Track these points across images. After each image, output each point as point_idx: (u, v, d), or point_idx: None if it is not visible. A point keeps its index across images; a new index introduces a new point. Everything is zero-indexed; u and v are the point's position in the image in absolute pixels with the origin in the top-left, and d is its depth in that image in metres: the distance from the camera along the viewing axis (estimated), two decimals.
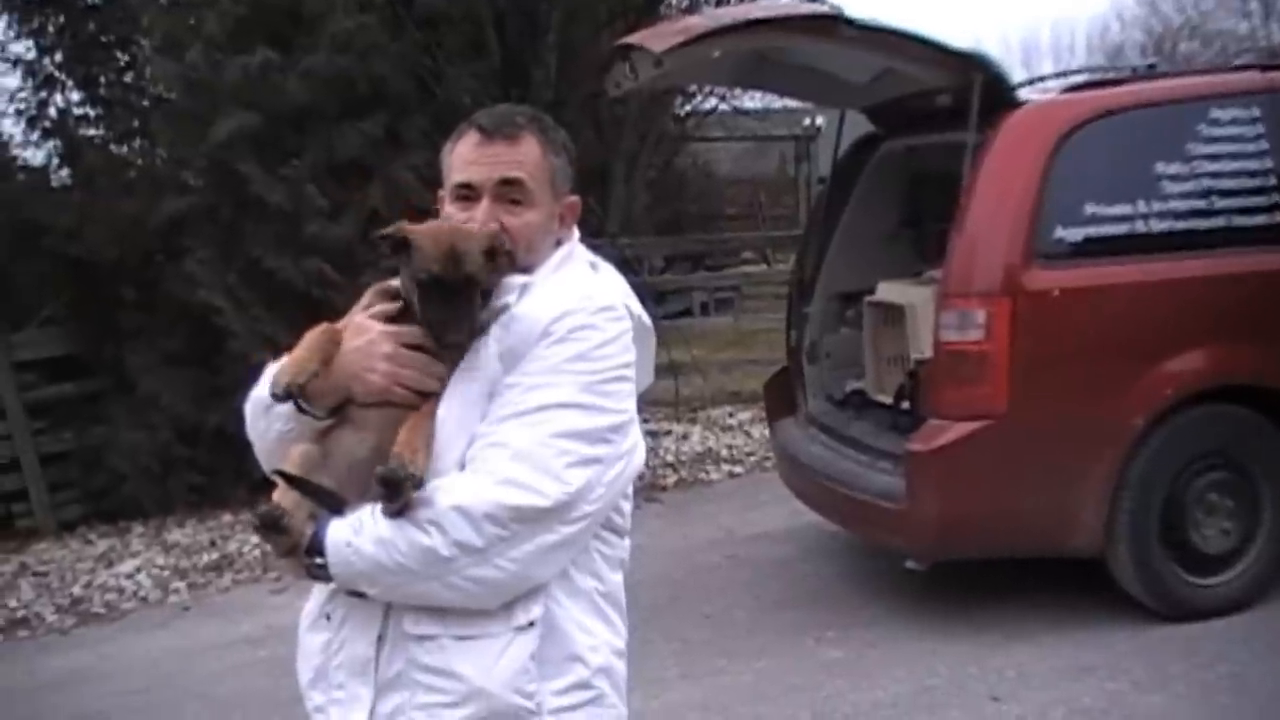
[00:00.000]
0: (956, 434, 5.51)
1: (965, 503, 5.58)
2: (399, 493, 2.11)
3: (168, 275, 9.59)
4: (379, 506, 2.14)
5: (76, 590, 7.96)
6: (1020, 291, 5.46)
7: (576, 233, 2.51)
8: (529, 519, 2.13)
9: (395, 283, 2.36)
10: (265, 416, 2.35)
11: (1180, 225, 5.70)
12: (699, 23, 5.85)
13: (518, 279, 2.33)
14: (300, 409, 2.26)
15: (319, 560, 2.17)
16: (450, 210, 2.39)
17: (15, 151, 10.88)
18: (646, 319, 2.45)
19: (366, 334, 2.28)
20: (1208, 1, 35.86)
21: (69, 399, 9.93)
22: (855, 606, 6.33)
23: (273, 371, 2.28)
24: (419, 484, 2.12)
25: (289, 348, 2.28)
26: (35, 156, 10.95)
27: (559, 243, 2.45)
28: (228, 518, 9.08)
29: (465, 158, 2.38)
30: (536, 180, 2.37)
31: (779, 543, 7.46)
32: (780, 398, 7.33)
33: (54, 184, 10.86)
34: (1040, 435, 5.53)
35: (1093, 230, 5.59)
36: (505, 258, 2.28)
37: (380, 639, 2.24)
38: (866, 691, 5.36)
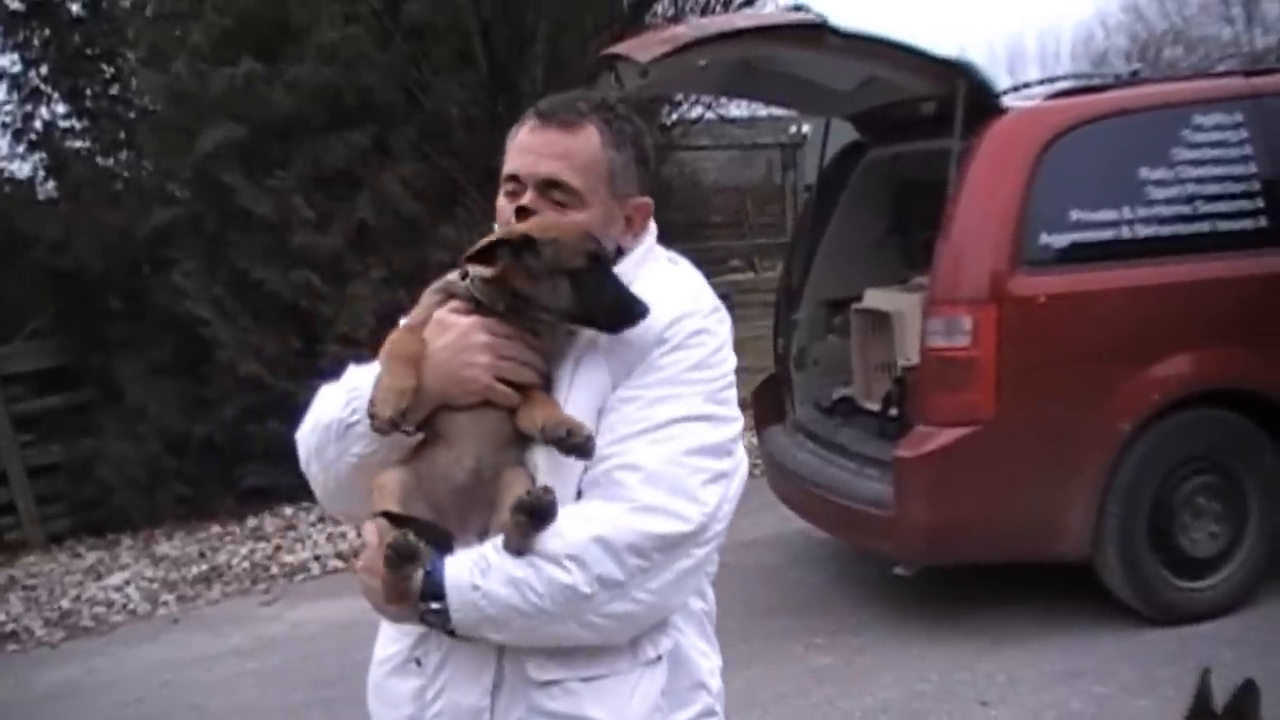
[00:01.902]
0: (944, 440, 5.52)
1: (953, 508, 5.59)
2: (543, 524, 1.94)
3: (154, 286, 9.60)
4: (499, 540, 1.97)
5: (65, 603, 7.94)
6: (1006, 298, 5.47)
7: (654, 231, 2.30)
8: (671, 546, 1.99)
9: (454, 277, 2.15)
10: (338, 442, 2.12)
11: (1165, 230, 5.72)
12: (685, 32, 5.86)
13: None
14: (404, 432, 2.05)
15: (434, 605, 1.94)
16: (501, 204, 2.19)
17: (1, 164, 10.91)
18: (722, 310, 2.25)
19: (456, 328, 2.06)
20: (1191, 8, 36.02)
21: (56, 411, 9.92)
22: (844, 613, 6.33)
23: (353, 392, 2.09)
24: (589, 450, 1.97)
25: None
26: (21, 169, 10.99)
27: (619, 250, 2.20)
28: (216, 529, 9.07)
29: (519, 145, 2.16)
30: (587, 178, 2.12)
31: (767, 550, 7.45)
32: (768, 405, 7.33)
33: (40, 196, 10.89)
34: (1027, 441, 5.54)
35: (1078, 236, 5.61)
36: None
37: (496, 687, 2.05)
38: (856, 698, 5.36)
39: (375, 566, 1.95)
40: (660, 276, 2.20)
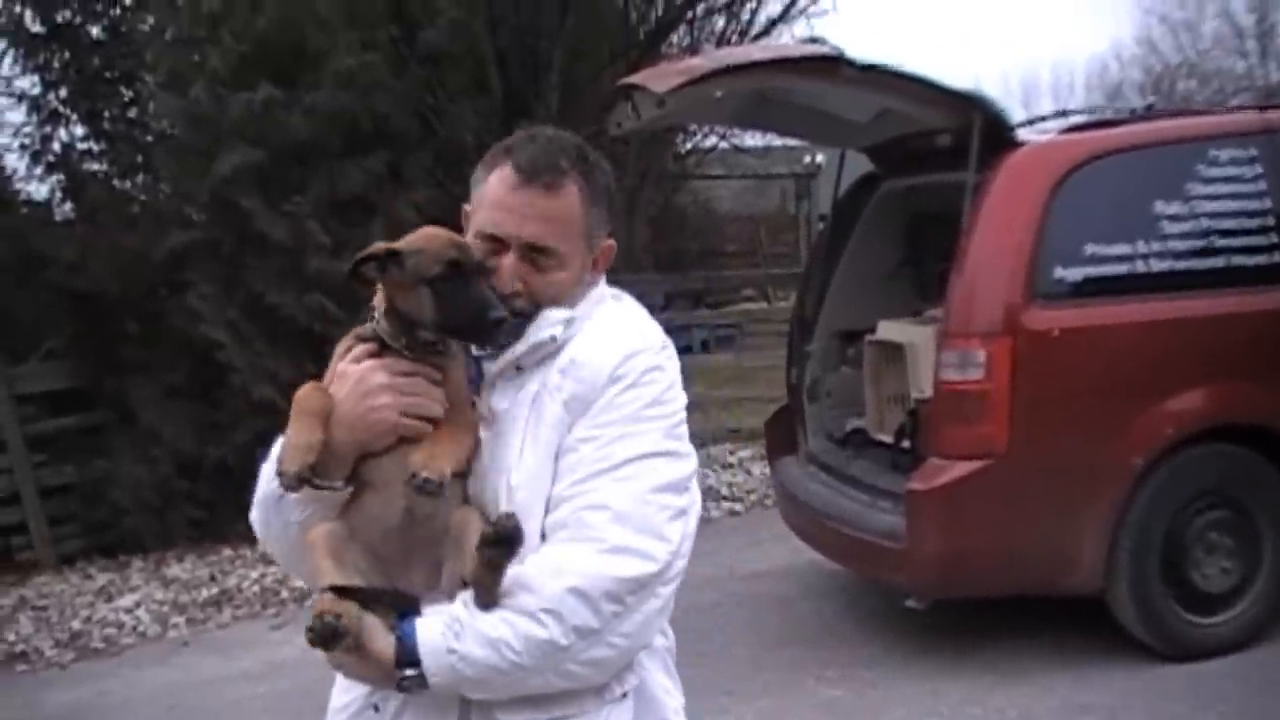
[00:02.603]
0: (957, 473, 5.51)
1: (965, 542, 5.58)
2: (513, 550, 1.92)
3: (170, 309, 9.61)
4: (468, 596, 1.96)
5: (76, 625, 7.94)
6: (1020, 331, 5.47)
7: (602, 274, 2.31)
8: (641, 587, 1.99)
9: (367, 326, 2.13)
10: (279, 513, 2.14)
11: (1179, 265, 5.73)
12: (701, 63, 5.88)
13: (558, 312, 2.14)
14: (316, 486, 2.03)
15: (410, 671, 1.93)
16: (474, 245, 2.16)
17: (19, 185, 10.94)
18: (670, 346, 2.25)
19: (351, 376, 2.06)
20: (1205, 41, 36.11)
21: (70, 432, 9.93)
22: (856, 645, 6.32)
23: (271, 463, 2.09)
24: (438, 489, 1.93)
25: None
26: (39, 191, 11.01)
27: (589, 285, 2.25)
28: (228, 552, 9.07)
29: (497, 199, 2.15)
30: (571, 239, 2.15)
31: (779, 581, 7.45)
32: (781, 435, 7.33)
33: (57, 218, 10.91)
34: (1040, 474, 5.53)
35: (1092, 270, 5.61)
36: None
37: None
38: None
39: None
40: (612, 316, 2.22)
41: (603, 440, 2.05)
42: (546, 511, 2.05)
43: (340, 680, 2.19)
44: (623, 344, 2.12)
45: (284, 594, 8.06)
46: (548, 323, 2.12)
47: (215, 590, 8.33)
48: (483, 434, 2.12)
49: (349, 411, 2.03)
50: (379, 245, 2.08)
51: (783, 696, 5.77)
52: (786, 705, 5.68)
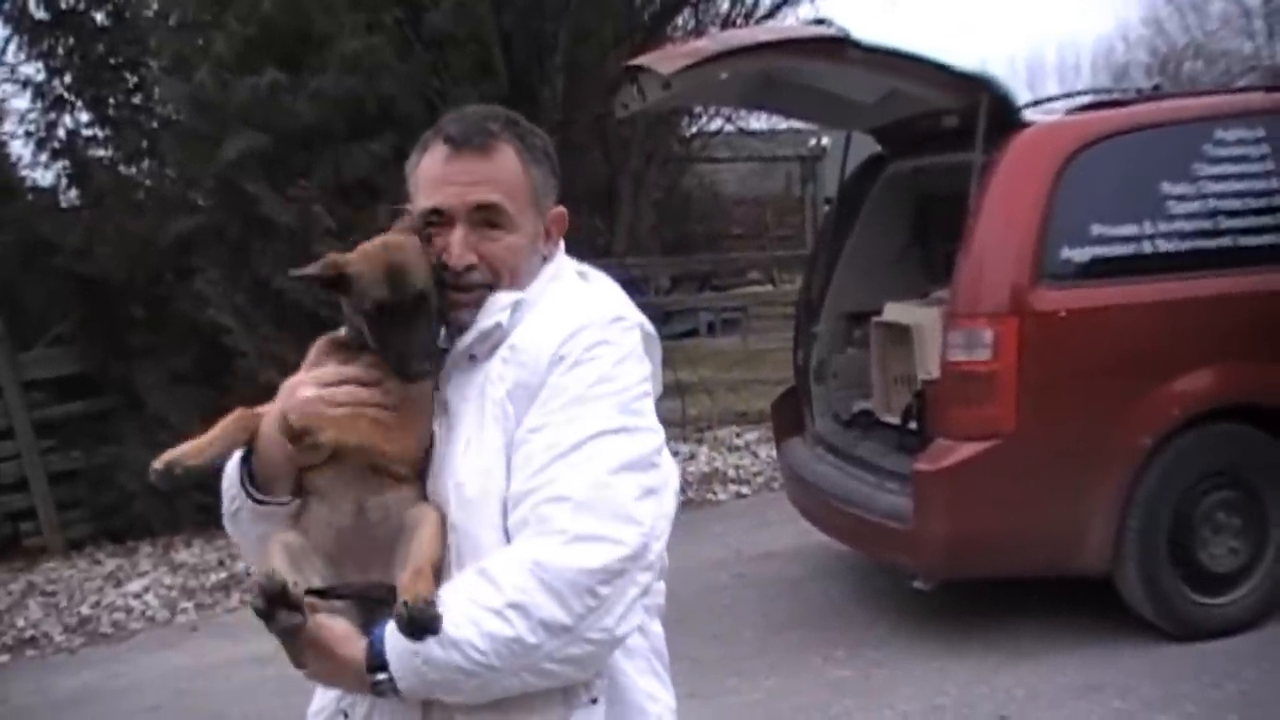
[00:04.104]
0: (964, 454, 5.52)
1: (973, 522, 5.58)
2: (425, 635, 1.83)
3: (177, 294, 9.63)
4: (440, 591, 1.89)
5: (84, 610, 7.97)
6: (1027, 312, 5.47)
7: (562, 245, 2.24)
8: (615, 575, 1.87)
9: (343, 332, 2.12)
10: (240, 529, 2.12)
11: (1186, 245, 5.71)
12: (707, 45, 5.87)
13: (506, 296, 2.07)
14: (259, 501, 2.03)
15: (381, 676, 1.86)
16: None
17: (25, 172, 10.94)
18: (649, 325, 2.17)
19: (286, 389, 2.04)
20: (1212, 22, 35.99)
21: (77, 418, 9.95)
22: (863, 626, 6.33)
23: (228, 480, 2.09)
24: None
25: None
26: (45, 177, 11.00)
27: (545, 259, 2.18)
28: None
29: (433, 176, 2.10)
30: (517, 199, 2.09)
31: (787, 562, 7.46)
32: (787, 418, 7.33)
33: (63, 204, 10.91)
34: (1048, 455, 5.53)
35: (1099, 250, 5.60)
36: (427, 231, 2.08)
37: None
38: (875, 711, 5.36)
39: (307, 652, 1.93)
40: (563, 295, 2.13)
41: (553, 426, 1.95)
42: (505, 511, 1.96)
43: (317, 689, 2.19)
44: (565, 323, 2.02)
45: None
46: (494, 308, 2.06)
47: (224, 575, 8.35)
48: (436, 429, 2.06)
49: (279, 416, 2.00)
50: (331, 259, 2.04)
51: (790, 677, 5.78)
52: (794, 686, 5.69)
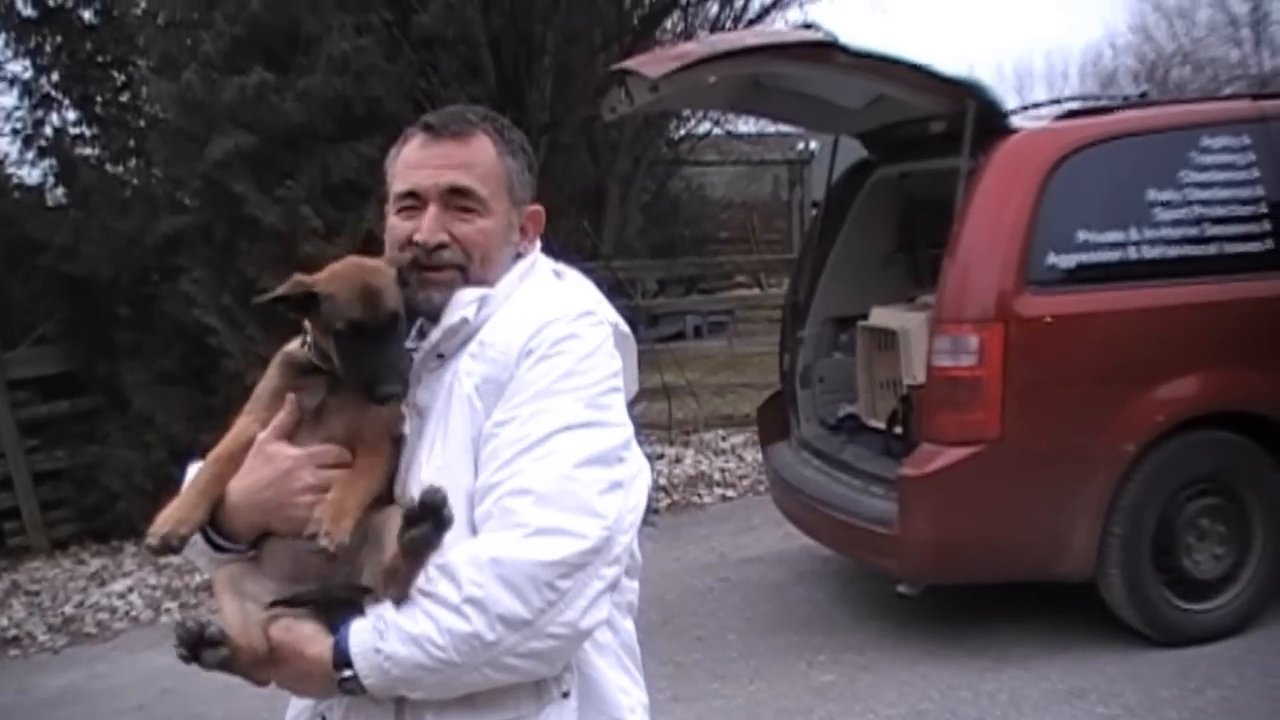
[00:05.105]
0: (949, 459, 5.52)
1: (958, 527, 5.59)
2: (439, 529, 1.83)
3: (163, 294, 9.62)
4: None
5: (68, 609, 7.95)
6: (1013, 317, 5.48)
7: (539, 244, 2.25)
8: (575, 568, 1.85)
9: (299, 349, 2.08)
10: (198, 559, 2.10)
11: (1172, 252, 5.72)
12: (695, 49, 5.89)
13: (472, 291, 2.07)
14: (218, 548, 2.01)
15: (347, 673, 1.86)
16: (394, 222, 2.14)
17: (11, 170, 10.91)
18: (623, 325, 2.17)
19: (276, 463, 1.97)
20: (1200, 29, 36.12)
21: (62, 417, 9.94)
22: (848, 630, 6.33)
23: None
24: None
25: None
26: (31, 175, 10.98)
27: (519, 256, 2.19)
28: None
29: (410, 161, 2.15)
30: (490, 185, 2.12)
31: (771, 566, 7.46)
32: (773, 421, 7.34)
33: (49, 203, 10.88)
34: (1033, 460, 5.54)
35: (1085, 257, 5.61)
36: (413, 272, 2.05)
37: None
38: (859, 715, 5.36)
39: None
40: (535, 292, 2.13)
41: (519, 420, 1.94)
42: (471, 505, 1.95)
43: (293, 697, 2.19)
44: (533, 318, 2.02)
45: None
46: (459, 304, 2.06)
47: (207, 575, 8.32)
48: (406, 430, 2.05)
49: (265, 501, 1.96)
50: (299, 279, 2.02)
51: (774, 681, 5.79)
52: (778, 690, 5.69)
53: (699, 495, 9.46)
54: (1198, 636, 5.71)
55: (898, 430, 6.28)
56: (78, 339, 10.01)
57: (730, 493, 9.53)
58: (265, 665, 1.93)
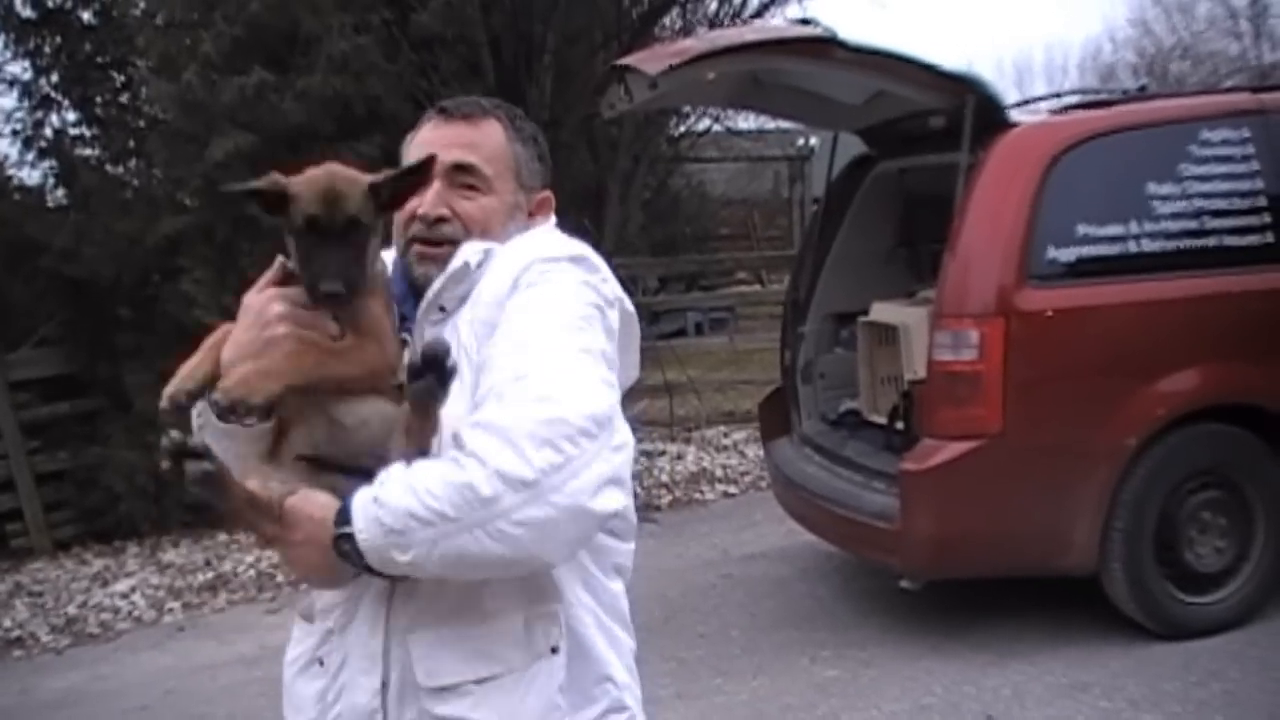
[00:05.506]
0: (950, 454, 5.52)
1: (959, 522, 5.59)
2: (443, 378, 1.84)
3: (164, 295, 9.61)
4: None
5: (71, 610, 7.95)
6: (1013, 312, 5.48)
7: (553, 219, 2.29)
8: (579, 433, 1.78)
9: (282, 257, 2.08)
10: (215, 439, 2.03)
11: (1172, 245, 5.73)
12: (694, 45, 5.87)
13: (480, 244, 2.10)
14: (229, 421, 1.95)
15: (345, 529, 1.81)
16: None
17: (11, 171, 10.88)
18: (628, 303, 2.16)
19: (252, 306, 2.00)
20: (1199, 23, 36.06)
21: (64, 418, 9.94)
22: (850, 626, 6.33)
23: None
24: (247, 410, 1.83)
25: None
26: (31, 176, 10.95)
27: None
28: (222, 537, 9.08)
29: (421, 141, 2.22)
30: (496, 166, 2.17)
31: (774, 562, 7.47)
32: (775, 418, 7.34)
33: (50, 204, 10.86)
34: (1034, 455, 5.54)
35: (1085, 251, 5.62)
36: (389, 185, 2.01)
37: (384, 686, 1.99)
38: (862, 711, 5.37)
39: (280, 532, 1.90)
40: (529, 237, 2.15)
41: (511, 335, 1.93)
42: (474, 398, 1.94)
43: (294, 633, 2.20)
44: (524, 255, 2.03)
45: (279, 578, 8.08)
46: (463, 252, 2.08)
47: (210, 575, 8.34)
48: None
49: (248, 341, 1.94)
50: (274, 177, 2.01)
51: (777, 677, 5.79)
52: (781, 686, 5.69)
53: (701, 492, 9.46)
54: (1200, 629, 5.72)
55: (899, 425, 6.28)
56: (79, 340, 10.01)
57: (732, 489, 9.53)
58: (266, 514, 1.88)
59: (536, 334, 1.91)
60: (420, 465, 1.82)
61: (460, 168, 2.15)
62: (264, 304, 1.99)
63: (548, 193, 2.30)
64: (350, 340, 1.97)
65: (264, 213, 2.02)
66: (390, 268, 2.19)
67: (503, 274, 2.02)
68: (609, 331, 2.02)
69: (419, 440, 1.89)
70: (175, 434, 1.82)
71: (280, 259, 2.07)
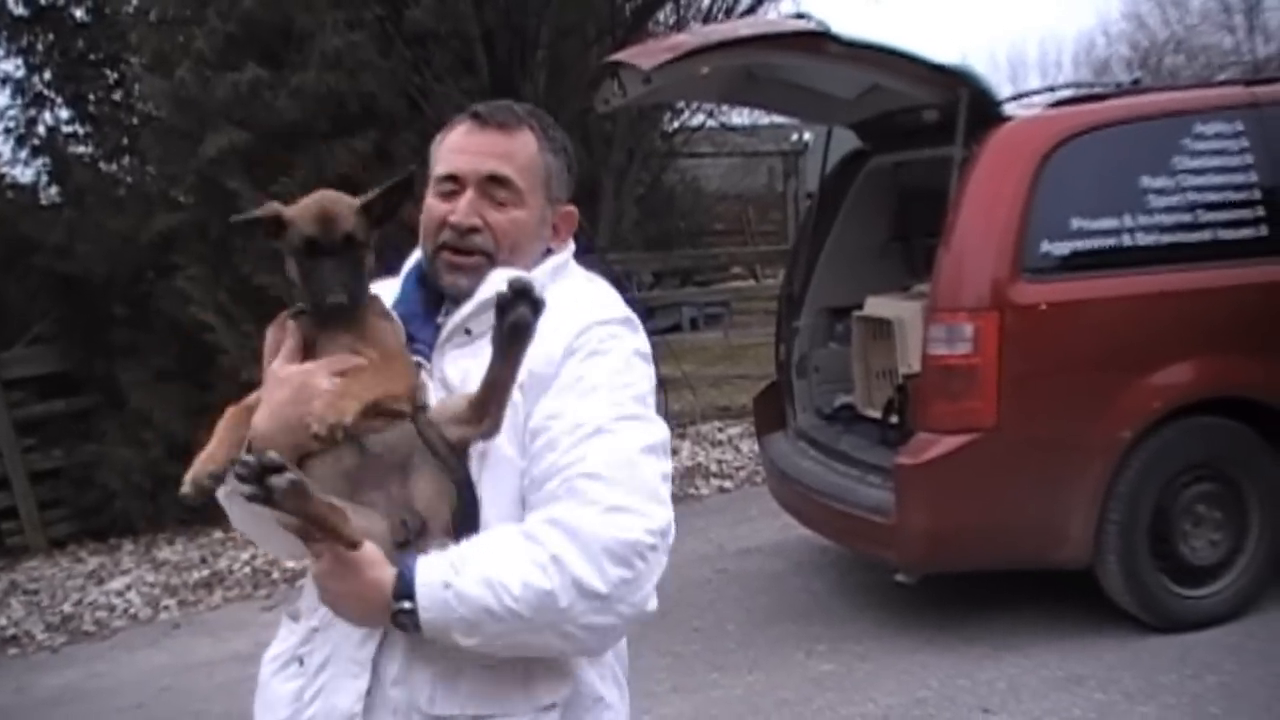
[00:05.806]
0: (945, 447, 5.52)
1: (954, 516, 5.59)
2: (535, 310, 1.87)
3: (158, 292, 9.61)
4: (475, 540, 1.89)
5: (67, 608, 7.95)
6: (1008, 305, 5.48)
7: (572, 245, 2.29)
8: (648, 549, 1.88)
9: (287, 314, 2.09)
10: (227, 502, 2.10)
11: (1166, 239, 5.72)
12: (687, 40, 5.87)
13: (509, 271, 2.06)
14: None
15: (406, 605, 1.83)
16: (431, 203, 2.17)
17: (4, 169, 10.92)
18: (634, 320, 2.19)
19: (291, 379, 1.96)
20: (1193, 17, 36.09)
21: (59, 416, 9.94)
22: (845, 620, 6.34)
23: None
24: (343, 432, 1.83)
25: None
26: (24, 174, 10.98)
27: (549, 252, 2.22)
28: (218, 534, 9.08)
29: (453, 146, 2.18)
30: (528, 178, 2.16)
31: (769, 557, 7.47)
32: (770, 412, 7.34)
33: (43, 202, 10.88)
34: (1029, 448, 5.54)
35: (1079, 244, 5.62)
36: (378, 203, 2.04)
37: (369, 693, 1.98)
38: (857, 705, 5.37)
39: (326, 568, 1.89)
40: (573, 291, 2.16)
41: (573, 411, 1.96)
42: (523, 500, 1.97)
43: (280, 631, 2.22)
44: (579, 317, 2.05)
45: (275, 575, 8.08)
46: (494, 281, 2.05)
47: (206, 572, 8.34)
48: (431, 400, 2.04)
49: (292, 414, 1.91)
50: (271, 205, 2.07)
51: (773, 671, 5.79)
52: (776, 680, 5.69)
53: (696, 487, 9.46)
54: (1195, 622, 5.72)
55: (894, 419, 6.28)
56: (73, 338, 10.01)
57: (727, 484, 9.53)
58: (344, 522, 1.86)
59: (605, 420, 1.96)
60: (496, 555, 1.86)
61: (494, 179, 2.14)
62: (309, 377, 1.96)
63: (571, 207, 2.29)
64: (383, 362, 2.01)
65: (265, 239, 2.06)
66: (401, 279, 2.24)
67: (555, 334, 2.02)
68: (654, 406, 2.09)
69: (497, 412, 1.94)
70: (250, 458, 1.77)
71: (291, 323, 2.07)
